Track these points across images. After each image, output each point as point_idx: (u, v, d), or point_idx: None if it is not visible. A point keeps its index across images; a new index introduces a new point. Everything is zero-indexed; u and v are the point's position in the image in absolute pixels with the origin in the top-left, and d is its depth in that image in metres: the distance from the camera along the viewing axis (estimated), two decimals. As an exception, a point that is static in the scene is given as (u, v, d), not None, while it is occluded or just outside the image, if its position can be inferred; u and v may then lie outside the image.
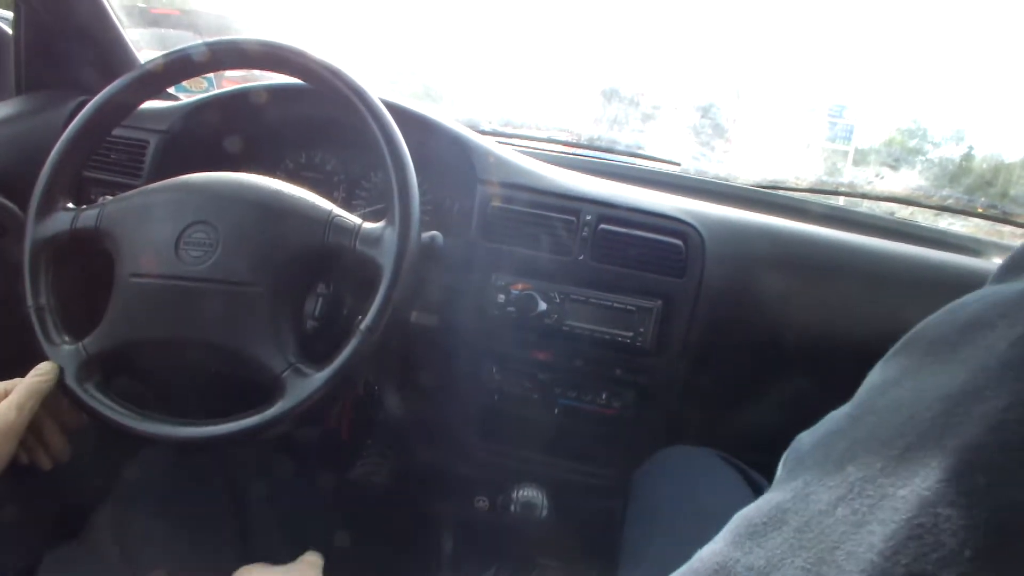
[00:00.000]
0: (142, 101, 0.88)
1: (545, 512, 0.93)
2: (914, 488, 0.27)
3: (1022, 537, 0.24)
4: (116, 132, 1.05)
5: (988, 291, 0.32)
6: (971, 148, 1.52)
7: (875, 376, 0.36)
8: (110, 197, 0.86)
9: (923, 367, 0.32)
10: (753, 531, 0.34)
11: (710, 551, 0.36)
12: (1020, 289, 0.30)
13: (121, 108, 0.88)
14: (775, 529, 0.33)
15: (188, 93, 1.27)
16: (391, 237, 0.78)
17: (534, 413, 1.04)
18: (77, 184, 0.91)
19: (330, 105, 0.98)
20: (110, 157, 1.09)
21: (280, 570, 0.78)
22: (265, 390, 0.76)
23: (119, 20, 1.18)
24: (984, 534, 0.24)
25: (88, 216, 0.83)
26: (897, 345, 0.36)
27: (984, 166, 1.49)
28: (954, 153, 1.52)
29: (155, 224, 0.81)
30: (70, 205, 0.85)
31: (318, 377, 0.75)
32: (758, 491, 0.82)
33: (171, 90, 1.23)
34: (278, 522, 0.86)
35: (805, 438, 0.38)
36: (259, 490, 0.85)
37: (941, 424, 0.28)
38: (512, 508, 0.93)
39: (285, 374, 0.76)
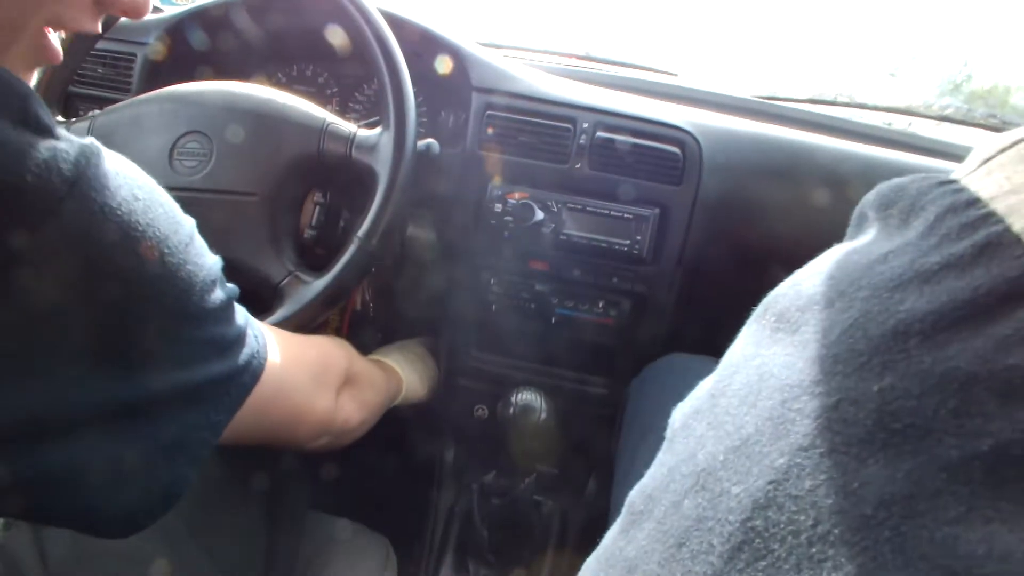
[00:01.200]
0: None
1: (544, 415, 0.95)
2: (748, 487, 0.26)
3: (840, 549, 0.23)
4: (102, 45, 1.03)
5: (833, 256, 0.30)
6: (971, 56, 1.50)
7: (736, 347, 0.34)
8: (99, 111, 0.85)
9: (768, 347, 0.30)
10: (633, 519, 0.34)
11: (604, 541, 0.36)
12: (855, 261, 0.27)
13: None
14: (647, 517, 0.32)
15: (173, 6, 1.23)
16: (387, 143, 0.78)
17: (531, 323, 1.05)
18: (64, 99, 0.89)
19: (323, 14, 0.96)
20: (97, 72, 1.07)
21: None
22: (265, 300, 0.77)
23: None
24: (807, 543, 0.23)
25: (79, 129, 0.82)
26: (755, 314, 0.34)
27: (984, 75, 1.47)
28: (954, 61, 1.50)
29: (147, 135, 0.80)
30: (59, 119, 0.84)
31: (317, 284, 0.76)
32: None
33: (158, 3, 1.19)
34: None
35: (677, 412, 0.37)
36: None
37: (776, 418, 0.26)
38: (511, 411, 0.95)
39: (284, 282, 0.77)
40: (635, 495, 0.35)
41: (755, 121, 1.05)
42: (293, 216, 0.81)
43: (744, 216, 1.01)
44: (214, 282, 0.46)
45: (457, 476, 1.22)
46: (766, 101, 1.16)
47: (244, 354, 0.50)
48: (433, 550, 1.14)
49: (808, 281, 0.29)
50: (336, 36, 1.05)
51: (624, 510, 0.35)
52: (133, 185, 0.41)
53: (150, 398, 0.43)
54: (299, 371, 0.64)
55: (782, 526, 0.24)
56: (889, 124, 1.23)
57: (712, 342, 1.06)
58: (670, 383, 0.93)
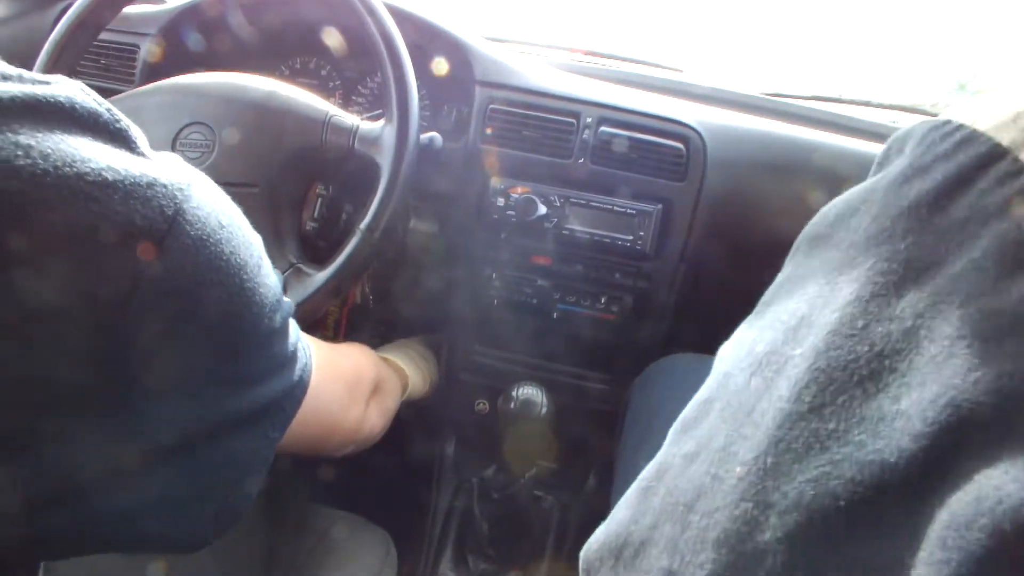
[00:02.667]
0: (128, 3, 0.86)
1: (544, 410, 0.95)
2: (810, 344, 0.32)
3: (894, 357, 0.30)
4: (105, 37, 1.02)
5: (852, 190, 0.37)
6: (976, 55, 1.49)
7: (781, 275, 0.41)
8: (102, 101, 0.85)
9: (807, 258, 0.37)
10: (686, 427, 0.39)
11: (655, 458, 0.41)
12: (874, 182, 0.34)
13: (106, 9, 0.85)
14: (704, 418, 0.38)
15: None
16: (390, 136, 0.77)
17: (533, 318, 1.05)
18: (68, 88, 0.89)
19: (327, 7, 0.96)
20: (99, 63, 1.07)
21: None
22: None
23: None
24: (867, 362, 0.30)
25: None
26: (790, 253, 0.40)
27: (989, 73, 1.47)
28: (960, 59, 1.49)
29: (149, 127, 0.79)
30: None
31: (319, 277, 0.76)
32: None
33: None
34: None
35: (724, 345, 0.42)
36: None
37: (827, 292, 0.33)
38: (512, 406, 0.95)
39: (286, 274, 0.76)
40: (681, 417, 0.40)
41: (760, 118, 1.05)
42: (295, 208, 0.81)
43: (748, 213, 1.00)
44: (279, 300, 0.46)
45: (457, 471, 1.22)
46: (771, 98, 1.16)
47: (298, 369, 0.49)
48: (433, 544, 1.14)
49: (832, 208, 0.37)
50: (331, 37, 1.04)
51: (671, 434, 0.40)
52: (219, 212, 0.40)
53: (225, 422, 0.43)
54: (335, 383, 0.65)
55: (842, 358, 0.31)
56: (894, 122, 1.23)
57: (714, 339, 1.06)
58: (672, 383, 0.93)
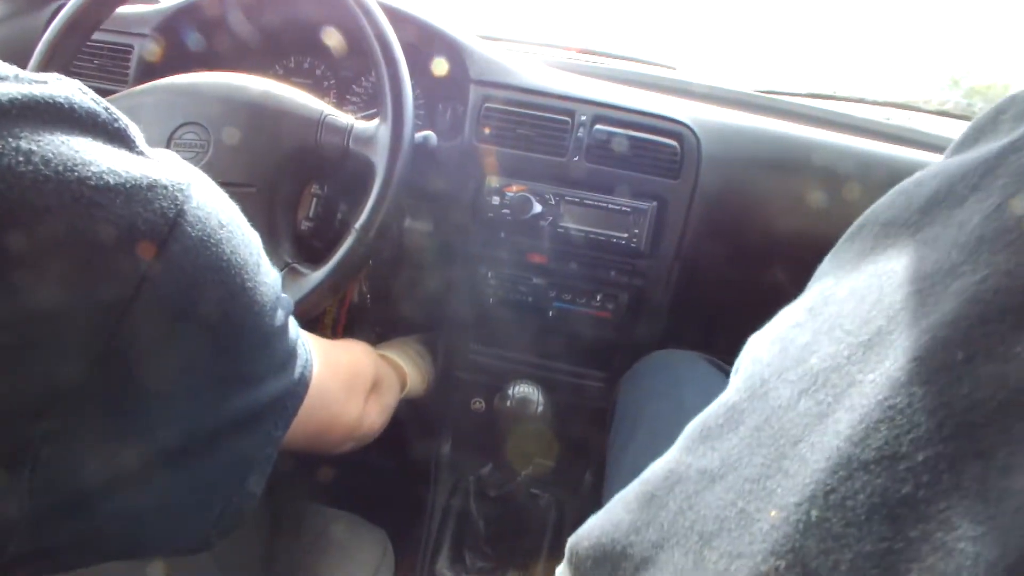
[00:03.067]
0: (121, 3, 0.85)
1: (540, 408, 0.95)
2: (885, 371, 0.26)
3: (1006, 411, 0.22)
4: (99, 37, 1.02)
5: (945, 165, 0.30)
6: (970, 51, 1.50)
7: (826, 267, 0.34)
8: (96, 101, 0.84)
9: (884, 250, 0.30)
10: (707, 434, 0.33)
11: (662, 460, 0.35)
12: (983, 158, 0.28)
13: (100, 9, 0.84)
14: (731, 430, 0.32)
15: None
16: (384, 135, 0.77)
17: (529, 317, 1.05)
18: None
19: (321, 6, 0.96)
20: (93, 63, 1.07)
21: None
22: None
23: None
24: (964, 410, 0.23)
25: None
26: (847, 233, 0.34)
27: (983, 70, 1.47)
28: (953, 56, 1.49)
29: (144, 127, 0.78)
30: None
31: (314, 276, 0.76)
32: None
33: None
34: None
35: (758, 337, 0.37)
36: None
37: (913, 305, 0.26)
38: (508, 404, 0.95)
39: (281, 274, 0.76)
40: (702, 421, 0.34)
41: (754, 115, 1.05)
42: (290, 208, 0.81)
43: (742, 210, 1.01)
44: (279, 298, 0.45)
45: (454, 469, 1.22)
46: (765, 95, 1.16)
47: (298, 366, 0.49)
48: (430, 543, 1.14)
49: (921, 189, 0.29)
50: (332, 38, 1.04)
51: (685, 437, 0.34)
52: (219, 212, 0.40)
53: (229, 421, 0.42)
54: (334, 379, 0.65)
55: (931, 398, 0.24)
56: (888, 119, 1.23)
57: (709, 336, 1.07)
58: (659, 378, 0.93)
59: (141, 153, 0.38)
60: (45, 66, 0.83)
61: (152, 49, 1.04)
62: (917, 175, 0.31)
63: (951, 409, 0.23)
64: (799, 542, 0.25)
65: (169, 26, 1.05)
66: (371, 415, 0.75)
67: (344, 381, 0.67)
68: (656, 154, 0.96)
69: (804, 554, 0.25)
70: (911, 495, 0.23)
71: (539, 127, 0.98)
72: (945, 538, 0.22)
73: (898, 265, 0.28)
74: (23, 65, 0.81)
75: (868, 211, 0.33)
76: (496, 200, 0.97)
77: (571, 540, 0.40)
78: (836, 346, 0.29)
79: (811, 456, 0.26)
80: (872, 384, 0.26)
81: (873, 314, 0.28)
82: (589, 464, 1.20)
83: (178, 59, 1.04)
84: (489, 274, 1.04)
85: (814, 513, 0.25)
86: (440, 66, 1.01)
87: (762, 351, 0.34)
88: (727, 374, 0.88)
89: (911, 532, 0.23)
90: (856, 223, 0.34)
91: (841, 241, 0.34)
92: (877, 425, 0.25)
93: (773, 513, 0.27)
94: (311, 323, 1.16)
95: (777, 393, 0.30)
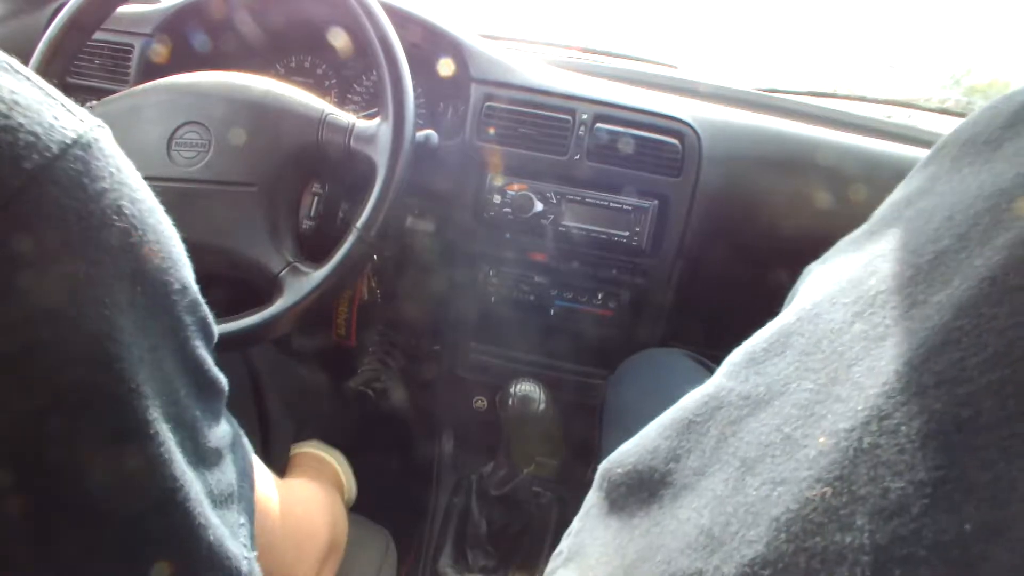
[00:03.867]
0: (122, 2, 0.85)
1: (542, 407, 0.95)
2: (952, 292, 0.24)
3: None
4: (100, 37, 1.02)
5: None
6: (970, 50, 1.49)
7: (898, 193, 0.32)
8: (96, 102, 0.84)
9: (959, 169, 0.28)
10: (751, 359, 0.31)
11: (700, 388, 0.34)
12: None
13: (101, 9, 0.84)
14: (777, 355, 0.30)
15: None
16: (386, 134, 0.77)
17: (530, 315, 1.05)
18: (62, 88, 0.89)
19: (323, 4, 0.95)
20: (95, 63, 1.07)
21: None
22: (264, 291, 0.77)
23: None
24: None
25: (77, 119, 0.82)
26: (925, 158, 0.31)
27: (983, 68, 1.47)
28: (954, 54, 1.49)
29: (145, 126, 0.80)
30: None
31: (316, 275, 0.76)
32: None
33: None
34: (292, 424, 0.89)
35: (814, 265, 0.35)
36: (275, 388, 0.86)
37: (986, 223, 0.24)
38: (510, 403, 0.95)
39: (283, 273, 0.76)
40: (748, 348, 0.32)
41: (754, 113, 1.05)
42: (292, 207, 0.81)
43: (743, 208, 1.01)
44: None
45: (456, 468, 1.22)
46: (766, 93, 1.16)
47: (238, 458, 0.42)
48: (432, 541, 1.14)
49: (1007, 103, 0.27)
50: (338, 39, 1.04)
51: (728, 364, 0.33)
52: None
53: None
54: (280, 530, 0.52)
55: (1002, 319, 0.22)
56: (889, 117, 1.23)
57: (710, 334, 1.07)
58: (644, 377, 0.93)
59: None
60: (46, 65, 0.83)
61: (157, 50, 1.04)
62: (1008, 92, 0.29)
63: (1019, 330, 0.21)
64: (848, 469, 0.24)
65: (170, 26, 1.05)
66: None
67: (292, 534, 0.55)
68: (658, 152, 0.96)
69: (853, 481, 0.24)
70: (971, 421, 0.22)
71: (541, 126, 0.98)
72: (1008, 468, 0.21)
73: (974, 182, 0.26)
74: (24, 64, 0.82)
75: (950, 132, 0.31)
76: (498, 199, 0.97)
77: (603, 466, 0.38)
78: (897, 266, 0.27)
79: (866, 381, 0.25)
80: (937, 305, 0.24)
81: (940, 233, 0.26)
82: (591, 462, 1.19)
83: (179, 58, 1.04)
84: (491, 273, 1.04)
85: (866, 440, 0.24)
86: (446, 66, 1.01)
87: (816, 277, 0.33)
88: (708, 368, 0.88)
89: (968, 461, 0.21)
90: (935, 145, 0.31)
91: (917, 167, 0.31)
92: (942, 347, 0.23)
93: (822, 439, 0.25)
94: (325, 323, 1.16)
95: (830, 316, 0.28)
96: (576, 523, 0.42)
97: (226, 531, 0.38)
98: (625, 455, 0.36)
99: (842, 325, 0.27)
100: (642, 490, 0.34)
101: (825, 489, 0.24)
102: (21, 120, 0.28)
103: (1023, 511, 0.20)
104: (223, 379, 0.40)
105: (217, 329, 0.58)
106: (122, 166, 0.33)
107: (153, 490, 0.33)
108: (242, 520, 0.40)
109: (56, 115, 0.30)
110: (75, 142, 0.30)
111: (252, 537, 0.41)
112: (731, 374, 0.32)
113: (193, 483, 0.35)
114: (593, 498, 0.40)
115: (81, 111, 0.32)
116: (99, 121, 0.33)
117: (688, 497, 0.31)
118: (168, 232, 0.35)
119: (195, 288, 0.37)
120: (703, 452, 0.31)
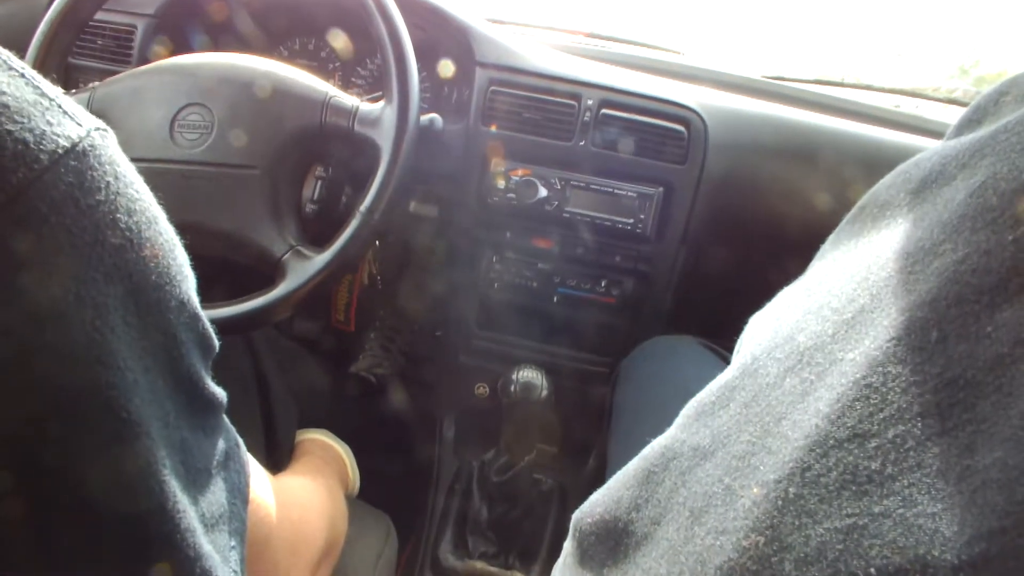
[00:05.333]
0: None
1: (544, 393, 0.95)
2: (864, 350, 0.26)
3: (972, 390, 0.23)
4: (102, 17, 1.02)
5: (943, 146, 0.30)
6: (979, 40, 1.48)
7: (826, 248, 0.34)
8: (99, 83, 0.84)
9: (879, 231, 0.30)
10: (701, 412, 0.34)
11: (661, 438, 0.36)
12: (978, 138, 0.27)
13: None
14: (722, 408, 0.32)
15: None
16: (390, 117, 0.77)
17: (533, 302, 1.05)
18: (64, 70, 0.88)
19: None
20: (97, 43, 1.06)
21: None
22: (267, 275, 0.77)
23: None
24: (933, 389, 0.23)
25: (79, 100, 0.81)
26: (849, 215, 0.34)
27: (991, 58, 1.46)
28: (962, 44, 1.48)
29: (148, 107, 0.79)
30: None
31: (319, 259, 0.75)
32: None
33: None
34: (295, 408, 0.88)
35: (756, 317, 0.37)
36: (278, 372, 0.86)
37: (895, 284, 0.26)
38: (512, 389, 0.95)
39: (286, 257, 0.76)
40: (698, 399, 0.35)
41: (761, 101, 1.05)
42: (295, 190, 0.81)
43: (748, 195, 1.00)
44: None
45: (457, 454, 1.22)
46: (772, 81, 1.15)
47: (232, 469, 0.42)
48: (433, 527, 1.14)
49: (918, 169, 0.29)
50: (338, 39, 1.04)
51: (683, 416, 0.35)
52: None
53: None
54: (278, 535, 0.52)
55: (904, 378, 0.24)
56: (897, 106, 1.22)
57: (714, 321, 1.07)
58: (658, 363, 0.93)
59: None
60: (48, 47, 0.82)
61: (156, 51, 1.04)
62: (917, 156, 0.31)
63: (922, 388, 0.23)
64: (777, 518, 0.26)
65: (173, 6, 1.04)
66: None
67: (287, 537, 0.54)
68: (663, 139, 0.95)
69: (781, 529, 0.25)
70: (878, 472, 0.24)
71: (545, 111, 0.97)
72: (906, 514, 0.23)
73: (886, 245, 0.28)
74: (26, 43, 0.81)
75: (869, 192, 0.33)
76: (501, 184, 0.96)
77: (575, 515, 0.41)
78: (822, 325, 0.29)
79: (792, 434, 0.27)
80: (851, 363, 0.26)
81: (858, 293, 0.28)
82: (593, 449, 1.20)
83: (183, 40, 1.04)
84: (494, 259, 1.03)
85: (791, 490, 0.26)
86: (446, 68, 1.01)
87: (758, 330, 0.35)
88: (725, 359, 0.88)
89: (875, 508, 0.23)
90: (858, 204, 0.34)
91: (843, 223, 0.34)
92: (853, 403, 0.25)
93: (755, 490, 0.27)
94: (325, 307, 1.16)
95: (766, 371, 0.30)
96: (555, 572, 0.44)
97: (217, 558, 0.37)
98: (594, 504, 0.38)
99: (776, 379, 0.29)
100: (609, 539, 0.36)
101: (758, 538, 0.26)
102: (10, 127, 0.26)
103: (921, 556, 0.22)
104: (220, 393, 0.39)
105: (220, 312, 0.56)
106: (121, 172, 0.31)
107: (151, 491, 0.33)
108: (233, 543, 0.39)
109: (50, 119, 0.28)
110: (68, 151, 0.28)
111: (243, 560, 0.40)
112: (684, 426, 0.35)
113: (186, 509, 0.35)
114: (569, 547, 0.42)
115: (80, 112, 0.31)
116: (99, 123, 0.31)
117: (647, 546, 0.33)
118: (168, 244, 0.34)
119: (195, 302, 0.36)
120: (659, 502, 0.33)
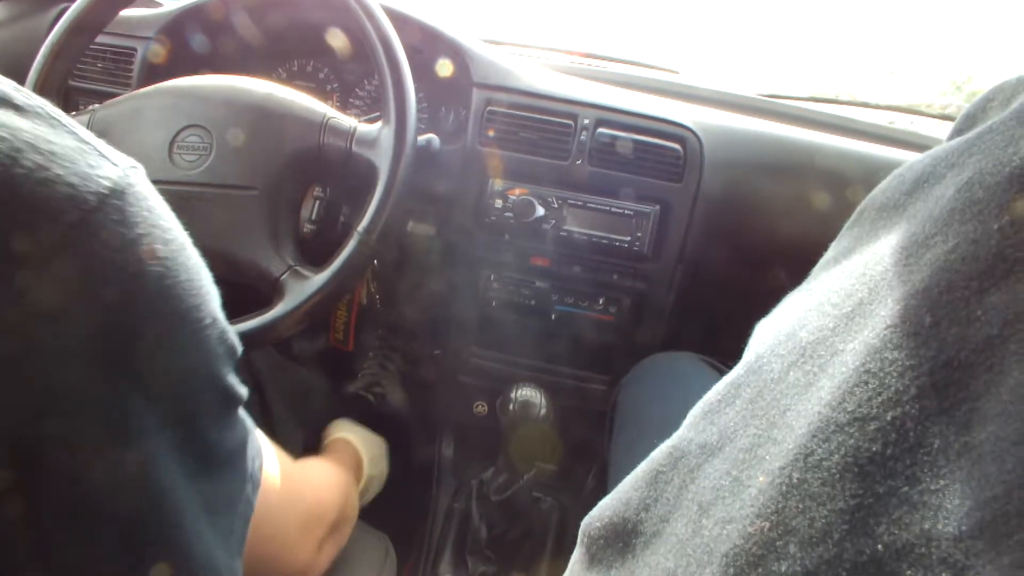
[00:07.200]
0: (125, 6, 0.85)
1: (543, 412, 0.95)
2: (863, 339, 0.27)
3: (965, 371, 0.24)
4: (102, 40, 1.03)
5: (935, 149, 0.32)
6: (972, 56, 1.50)
7: (829, 253, 0.36)
8: (98, 105, 0.85)
9: (876, 231, 0.32)
10: (708, 410, 0.35)
11: (669, 440, 0.37)
12: (966, 139, 0.29)
13: (103, 12, 0.84)
14: (729, 405, 0.33)
15: None
16: (387, 138, 0.77)
17: (532, 320, 1.05)
18: (64, 93, 0.89)
19: (325, 9, 0.95)
20: (97, 66, 1.07)
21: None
22: (265, 295, 0.77)
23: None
24: (929, 371, 0.25)
25: (79, 122, 0.82)
26: (849, 220, 0.36)
27: (985, 74, 1.47)
28: (956, 61, 1.49)
29: (147, 129, 0.80)
30: (59, 112, 0.84)
31: (317, 279, 0.76)
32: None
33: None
34: (298, 426, 0.89)
35: (763, 322, 0.38)
36: (278, 392, 0.86)
37: (891, 276, 0.28)
38: (510, 408, 0.95)
39: (284, 277, 0.76)
40: (705, 399, 0.36)
41: (757, 119, 1.05)
42: (293, 211, 0.81)
43: (745, 213, 1.01)
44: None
45: (456, 473, 1.22)
46: (768, 99, 1.16)
47: (248, 457, 0.43)
48: (432, 546, 1.13)
49: (912, 171, 0.31)
50: (336, 39, 1.05)
51: (690, 416, 0.36)
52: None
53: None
54: (289, 509, 0.56)
55: (901, 362, 0.25)
56: (892, 122, 1.23)
57: (712, 340, 1.07)
58: (660, 380, 0.93)
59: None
60: (48, 69, 0.83)
61: (156, 50, 1.04)
62: (911, 160, 0.33)
63: (918, 371, 0.25)
64: (781, 503, 0.27)
65: (173, 29, 1.05)
66: (321, 561, 0.64)
67: (300, 515, 0.58)
68: (659, 158, 0.96)
69: (785, 514, 0.26)
70: (879, 453, 0.25)
71: (542, 130, 0.98)
72: (910, 492, 0.24)
73: (883, 242, 0.30)
74: (27, 68, 0.82)
75: (868, 197, 0.35)
76: (499, 203, 0.97)
77: (584, 522, 0.41)
78: (823, 320, 0.30)
79: (796, 423, 0.28)
80: (852, 352, 0.27)
81: (856, 288, 0.29)
82: (592, 467, 1.19)
83: (182, 62, 1.05)
84: (492, 277, 1.03)
85: (795, 475, 0.27)
86: (445, 67, 1.01)
87: (762, 331, 0.36)
88: (721, 373, 0.88)
89: (879, 488, 0.24)
90: (857, 209, 0.35)
91: (844, 228, 0.36)
92: (853, 389, 0.26)
93: (761, 479, 0.28)
94: (322, 327, 1.16)
95: (770, 367, 0.32)
96: None
97: (219, 553, 0.38)
98: (603, 509, 0.39)
99: (780, 375, 0.31)
100: (618, 541, 0.37)
101: (763, 523, 0.27)
102: (59, 171, 0.28)
103: (926, 531, 0.23)
104: (242, 391, 0.41)
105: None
106: (154, 206, 0.33)
107: (151, 491, 0.34)
108: (237, 525, 0.41)
109: (91, 163, 0.30)
110: (112, 191, 0.30)
111: (242, 543, 0.42)
112: (691, 425, 0.36)
113: (187, 507, 0.36)
114: (576, 554, 0.43)
115: (115, 154, 0.32)
116: (132, 161, 0.33)
117: (656, 544, 0.34)
118: (197, 266, 0.36)
119: (221, 314, 0.38)
120: (668, 500, 0.34)
